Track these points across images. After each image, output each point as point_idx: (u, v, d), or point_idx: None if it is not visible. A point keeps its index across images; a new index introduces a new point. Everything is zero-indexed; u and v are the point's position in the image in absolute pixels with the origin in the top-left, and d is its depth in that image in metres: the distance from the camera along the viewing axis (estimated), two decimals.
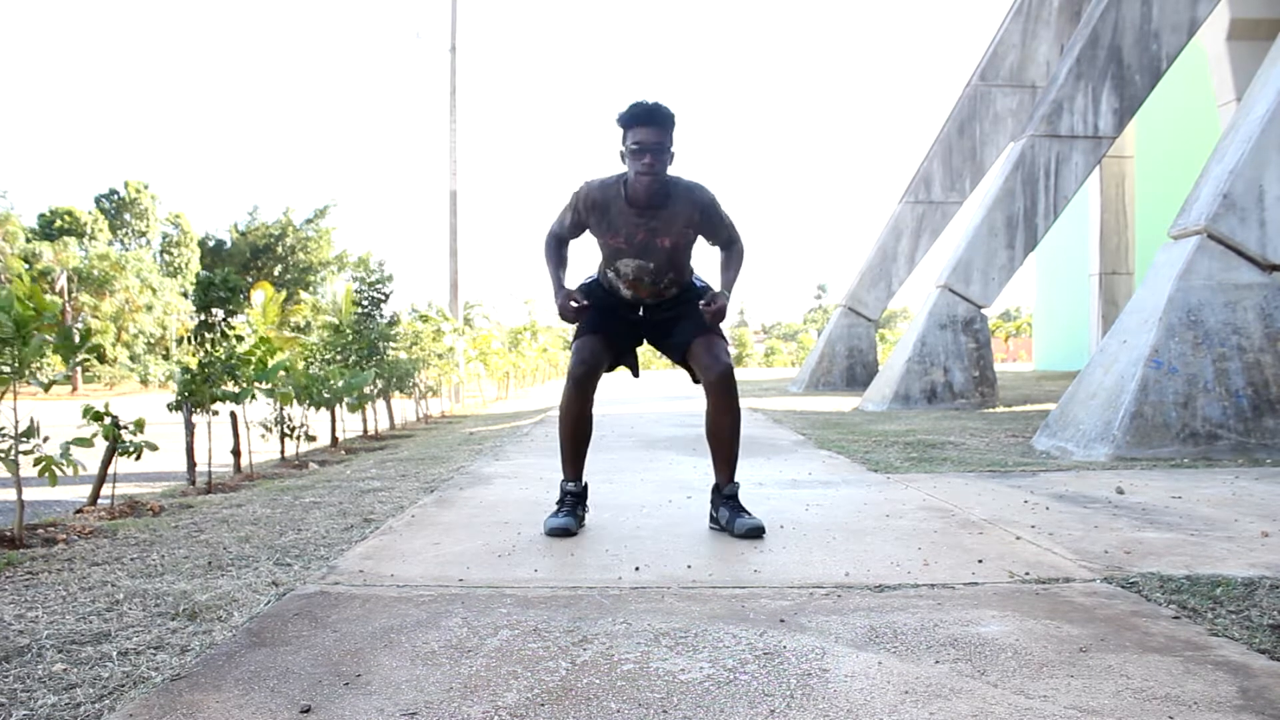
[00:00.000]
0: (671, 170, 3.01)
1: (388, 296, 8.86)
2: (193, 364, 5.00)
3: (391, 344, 9.36)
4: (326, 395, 6.96)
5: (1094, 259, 16.76)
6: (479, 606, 2.23)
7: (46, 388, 3.41)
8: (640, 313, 3.28)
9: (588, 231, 3.18)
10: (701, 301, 3.06)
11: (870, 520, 3.30)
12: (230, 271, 5.56)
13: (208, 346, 5.13)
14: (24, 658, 1.91)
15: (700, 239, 3.18)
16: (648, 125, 2.89)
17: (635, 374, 3.42)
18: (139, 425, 4.02)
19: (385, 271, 8.92)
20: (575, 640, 1.97)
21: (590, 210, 3.06)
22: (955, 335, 9.82)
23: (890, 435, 6.48)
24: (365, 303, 8.80)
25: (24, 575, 2.68)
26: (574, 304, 3.07)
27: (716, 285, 3.20)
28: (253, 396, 5.34)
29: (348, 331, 8.62)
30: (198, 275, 5.47)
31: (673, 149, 2.96)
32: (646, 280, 3.14)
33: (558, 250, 3.20)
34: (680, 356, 3.21)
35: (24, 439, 3.19)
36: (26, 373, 3.24)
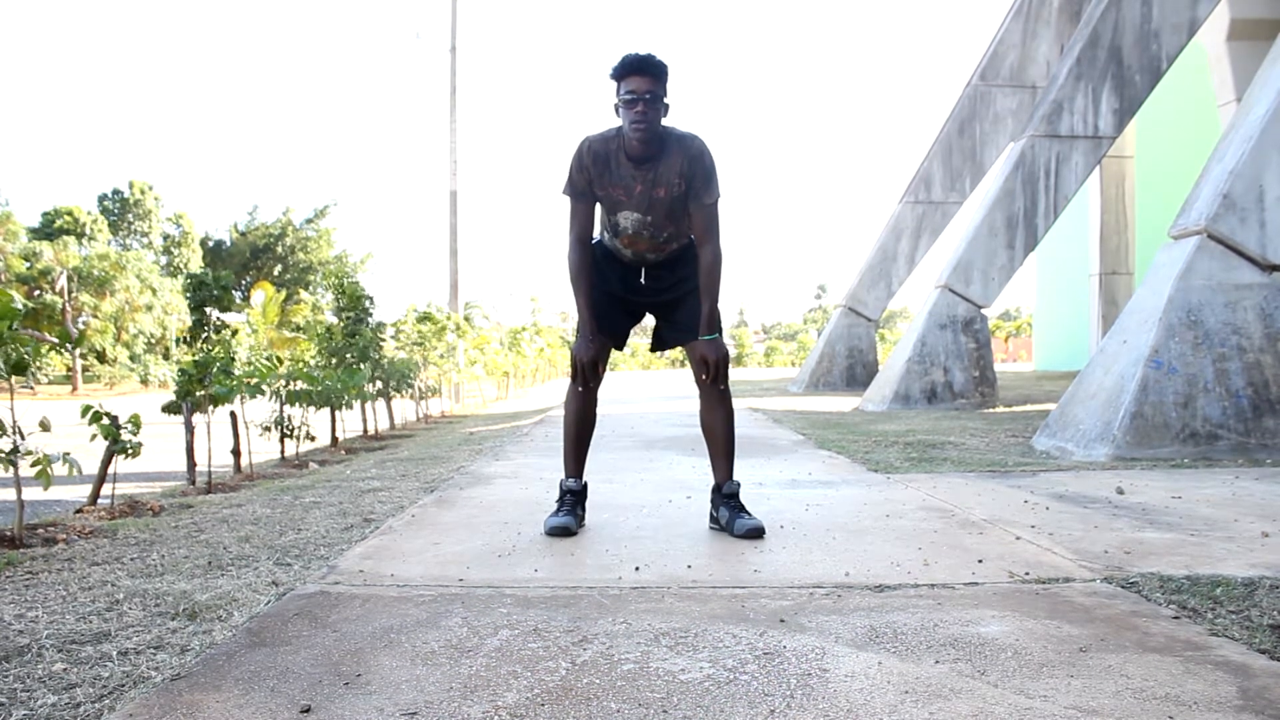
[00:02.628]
0: (668, 122, 3.00)
1: (370, 312, 9.09)
2: (189, 364, 5.01)
3: (383, 343, 9.52)
4: (325, 395, 6.96)
5: (1094, 259, 16.76)
6: (479, 606, 2.23)
7: (15, 368, 3.31)
8: (643, 279, 3.25)
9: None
10: (701, 357, 3.08)
11: (870, 520, 3.30)
12: (220, 271, 5.60)
13: (204, 345, 5.15)
14: (24, 658, 1.91)
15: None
16: (639, 74, 2.88)
17: (619, 348, 3.41)
18: (134, 421, 4.01)
19: (363, 289, 9.19)
20: (575, 640, 1.97)
21: (594, 162, 3.02)
22: (955, 335, 9.81)
23: (890, 435, 6.48)
24: (350, 315, 8.97)
25: (24, 575, 2.68)
26: (592, 357, 3.09)
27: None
28: (251, 394, 5.34)
29: (339, 337, 8.77)
30: (188, 275, 5.51)
31: (667, 100, 2.94)
32: (646, 234, 3.10)
33: (582, 262, 3.10)
34: (677, 342, 3.23)
35: (20, 438, 3.19)
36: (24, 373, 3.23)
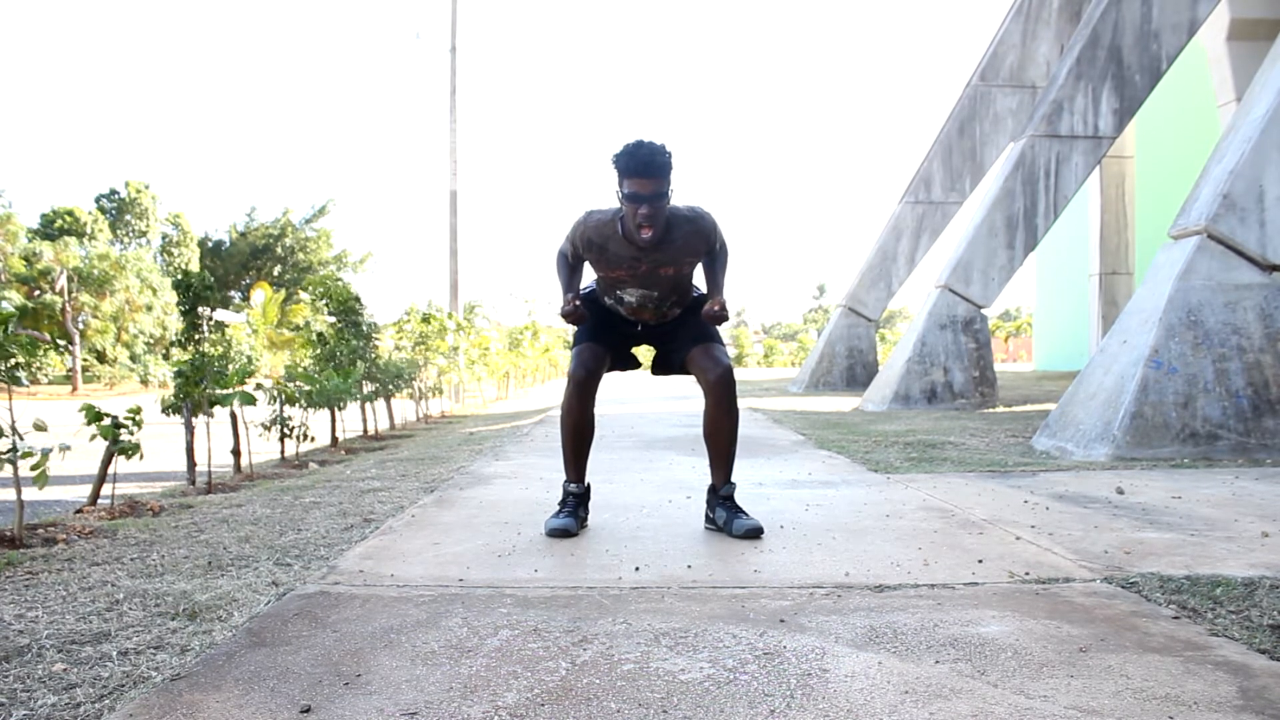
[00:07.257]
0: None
1: (360, 313, 9.07)
2: (183, 364, 5.01)
3: (377, 343, 9.51)
4: (324, 395, 6.96)
5: (1094, 259, 16.77)
6: (479, 606, 2.23)
7: (13, 379, 3.32)
8: (639, 329, 3.30)
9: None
10: (704, 308, 3.07)
11: (870, 520, 3.30)
12: (204, 272, 5.62)
13: (199, 345, 5.16)
14: (24, 658, 1.91)
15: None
16: (645, 176, 2.81)
17: (635, 366, 3.43)
18: (135, 412, 4.00)
19: (351, 291, 9.17)
20: (575, 640, 1.97)
21: (587, 249, 3.07)
22: (955, 335, 9.82)
23: (890, 435, 6.48)
24: (341, 318, 8.96)
25: (24, 575, 2.68)
26: (575, 306, 3.09)
27: (704, 287, 3.22)
28: (250, 401, 5.34)
29: (332, 339, 8.78)
30: (174, 281, 5.52)
31: (671, 190, 2.88)
32: (651, 306, 3.17)
33: (568, 264, 3.21)
34: (680, 363, 3.23)
35: (19, 438, 3.18)
36: (18, 371, 3.23)
